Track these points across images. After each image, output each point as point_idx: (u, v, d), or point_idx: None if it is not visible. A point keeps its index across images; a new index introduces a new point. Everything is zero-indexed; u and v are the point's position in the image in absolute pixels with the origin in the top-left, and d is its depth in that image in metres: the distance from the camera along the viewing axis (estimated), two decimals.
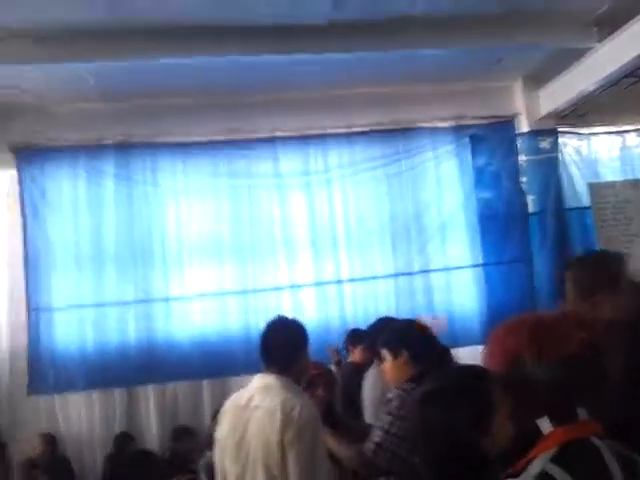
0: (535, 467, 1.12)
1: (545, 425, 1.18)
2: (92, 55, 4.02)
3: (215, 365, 4.78)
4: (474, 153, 5.42)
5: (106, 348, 4.82)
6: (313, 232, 5.10)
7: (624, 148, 5.76)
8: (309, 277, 5.07)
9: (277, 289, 5.00)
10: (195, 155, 5.07)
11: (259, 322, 4.68)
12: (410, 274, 5.10)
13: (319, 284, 5.06)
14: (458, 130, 5.39)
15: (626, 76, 4.57)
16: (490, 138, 5.43)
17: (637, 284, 2.01)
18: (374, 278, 5.09)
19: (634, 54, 4.12)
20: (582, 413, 1.20)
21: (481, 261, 5.26)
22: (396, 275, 5.10)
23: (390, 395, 2.31)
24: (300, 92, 5.00)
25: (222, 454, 2.17)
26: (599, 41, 4.41)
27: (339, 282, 5.08)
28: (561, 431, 1.17)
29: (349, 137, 5.24)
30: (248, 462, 2.06)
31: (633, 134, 5.78)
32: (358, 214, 5.18)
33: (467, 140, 5.41)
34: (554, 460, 1.12)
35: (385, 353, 2.45)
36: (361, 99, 5.12)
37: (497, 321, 1.36)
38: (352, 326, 4.49)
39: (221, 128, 5.02)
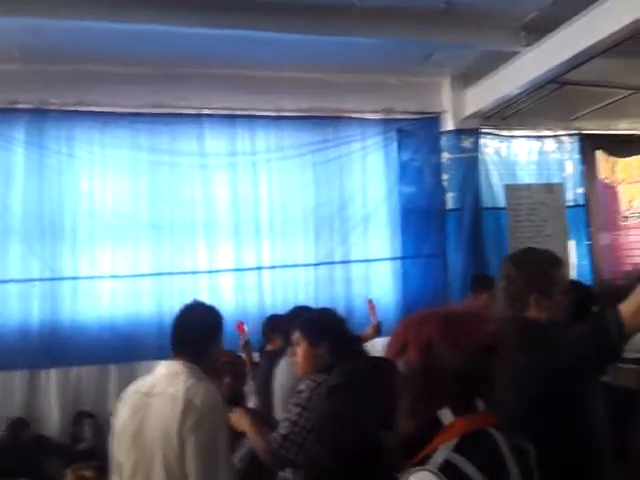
0: (438, 457, 1.15)
1: (446, 416, 1.22)
2: (13, 11, 3.69)
3: (124, 349, 4.57)
4: (400, 147, 5.48)
5: (7, 327, 4.49)
6: (235, 216, 4.97)
7: (542, 153, 6.02)
8: (229, 262, 4.95)
9: (194, 273, 4.84)
10: (115, 127, 4.79)
11: (173, 306, 4.48)
12: (331, 264, 5.09)
13: (239, 270, 4.95)
14: (386, 123, 5.42)
15: (550, 82, 4.76)
16: (416, 133, 5.50)
17: (571, 284, 2.04)
18: (295, 266, 5.04)
19: (558, 61, 4.28)
20: (480, 404, 1.25)
21: (400, 254, 5.34)
22: (317, 264, 5.08)
23: (301, 386, 2.27)
24: (231, 70, 4.85)
25: (118, 444, 2.05)
26: (526, 46, 4.55)
27: (259, 269, 4.99)
28: (462, 422, 1.21)
29: (278, 121, 5.13)
30: (144, 453, 1.95)
31: (551, 140, 6.05)
32: (282, 200, 5.10)
33: (394, 134, 5.45)
34: (456, 450, 1.15)
35: (301, 339, 2.40)
36: (292, 83, 5.04)
37: (412, 313, 1.40)
38: (270, 314, 4.44)
39: (145, 100, 4.78)
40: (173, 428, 1.91)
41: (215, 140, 5.01)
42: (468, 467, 1.12)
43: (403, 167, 5.44)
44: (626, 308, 1.59)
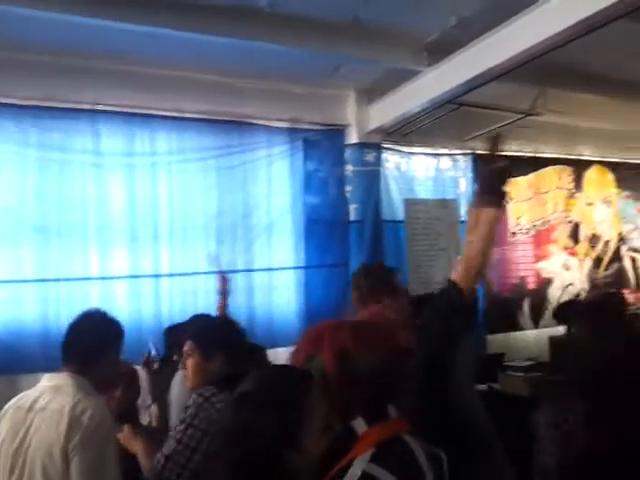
0: (356, 469, 1.12)
1: (360, 426, 1.19)
2: None
3: (5, 361, 4.13)
4: (306, 157, 5.48)
5: None
6: (132, 219, 4.69)
7: (438, 170, 6.28)
8: (123, 269, 4.66)
9: (85, 279, 4.51)
10: (0, 119, 4.39)
11: (60, 315, 4.21)
12: (233, 272, 4.95)
13: (134, 277, 4.68)
14: (293, 132, 5.41)
15: (448, 102, 4.97)
16: (322, 145, 5.54)
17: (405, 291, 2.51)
18: (195, 274, 4.85)
19: (456, 83, 4.48)
20: (392, 411, 1.23)
21: (303, 263, 5.32)
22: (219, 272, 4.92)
23: (189, 402, 2.15)
24: (129, 66, 4.59)
25: None
26: (428, 66, 4.73)
27: (157, 276, 4.75)
28: (376, 431, 1.19)
29: (180, 122, 4.93)
30: (25, 473, 1.77)
31: (447, 158, 6.34)
32: (183, 205, 4.89)
33: (300, 143, 5.45)
34: (373, 460, 1.13)
35: (193, 351, 2.27)
36: (196, 84, 4.88)
37: (314, 322, 1.37)
38: (167, 323, 4.24)
39: (34, 92, 4.40)
40: (57, 446, 1.75)
41: (111, 139, 4.71)
42: (387, 477, 1.11)
43: (308, 177, 5.45)
44: (456, 276, 1.89)
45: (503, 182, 2.07)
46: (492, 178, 2.09)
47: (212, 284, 4.86)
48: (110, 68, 4.57)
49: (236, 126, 5.16)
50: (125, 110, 4.75)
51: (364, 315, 2.21)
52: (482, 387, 4.66)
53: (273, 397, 1.20)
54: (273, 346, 4.11)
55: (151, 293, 4.72)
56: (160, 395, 3.38)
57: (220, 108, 5.05)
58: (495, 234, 2.00)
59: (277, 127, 5.36)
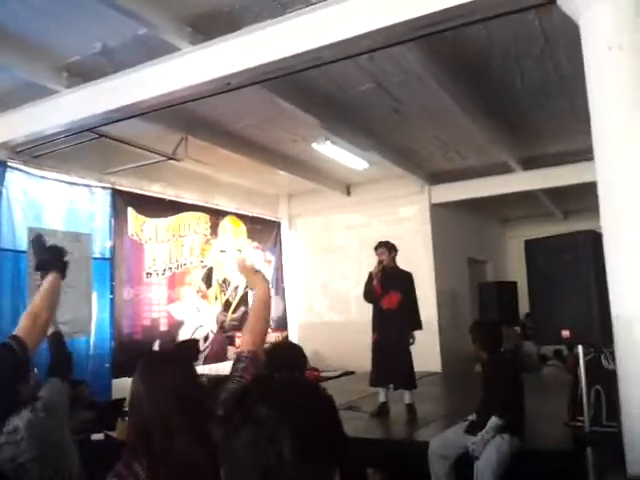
0: None
1: None
2: None
3: None
4: None
5: None
6: None
7: (73, 200, 5.78)
8: None
9: None
10: None
11: None
12: None
13: None
14: None
15: (87, 130, 4.65)
16: None
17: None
18: None
19: (96, 111, 4.20)
20: None
21: None
22: None
23: None
24: None
25: None
26: (67, 87, 4.34)
27: None
28: None
29: None
30: None
31: (84, 189, 5.91)
32: None
33: None
34: None
35: None
36: None
37: None
38: None
39: None
40: None
41: None
42: None
43: None
44: (20, 331, 1.85)
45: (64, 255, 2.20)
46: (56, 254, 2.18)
47: None
48: None
49: None
50: None
51: None
52: (98, 436, 4.34)
53: None
54: None
55: None
56: None
57: None
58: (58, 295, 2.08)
59: None
